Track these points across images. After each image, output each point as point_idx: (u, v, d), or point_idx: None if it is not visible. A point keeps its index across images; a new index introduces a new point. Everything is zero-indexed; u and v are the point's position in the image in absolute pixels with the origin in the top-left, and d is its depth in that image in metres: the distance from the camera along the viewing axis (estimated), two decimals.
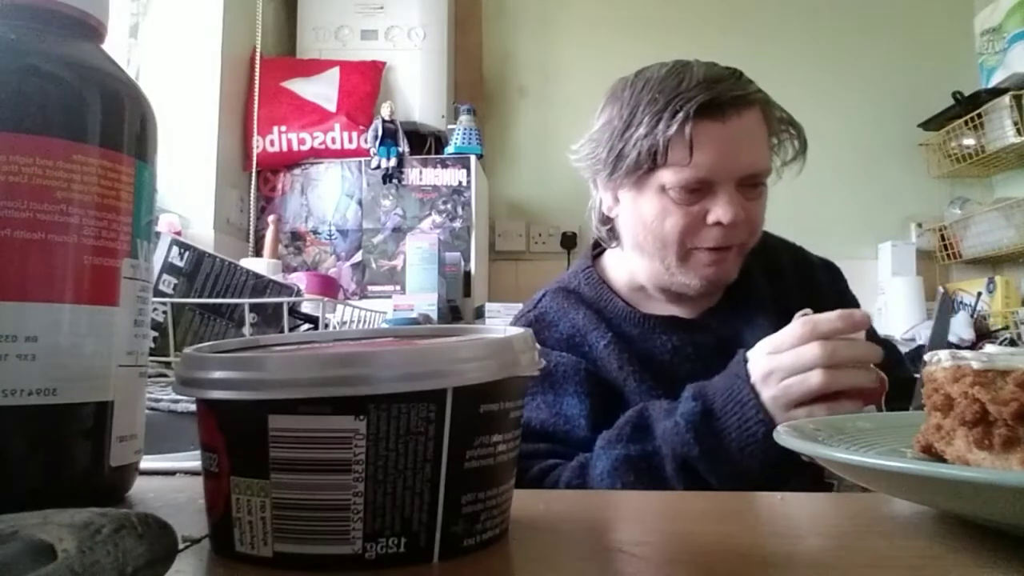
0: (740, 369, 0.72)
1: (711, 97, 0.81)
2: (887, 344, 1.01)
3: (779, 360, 0.69)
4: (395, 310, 1.77)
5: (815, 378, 0.67)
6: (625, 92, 0.86)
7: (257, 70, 2.24)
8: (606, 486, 0.73)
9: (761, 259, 0.95)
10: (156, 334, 0.94)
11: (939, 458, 0.36)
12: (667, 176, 0.83)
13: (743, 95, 0.83)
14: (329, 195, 2.22)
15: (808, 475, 0.62)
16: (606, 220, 0.94)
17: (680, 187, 0.83)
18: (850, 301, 0.99)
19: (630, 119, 0.84)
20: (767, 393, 0.69)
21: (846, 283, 1.02)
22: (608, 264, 0.98)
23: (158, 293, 0.97)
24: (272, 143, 2.21)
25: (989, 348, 0.37)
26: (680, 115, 0.80)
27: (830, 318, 0.68)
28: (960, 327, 2.28)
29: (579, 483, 0.76)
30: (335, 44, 2.37)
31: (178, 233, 1.64)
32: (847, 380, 0.67)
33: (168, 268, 1.00)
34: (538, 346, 0.94)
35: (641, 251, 0.89)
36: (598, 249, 1.02)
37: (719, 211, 0.83)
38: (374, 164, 2.17)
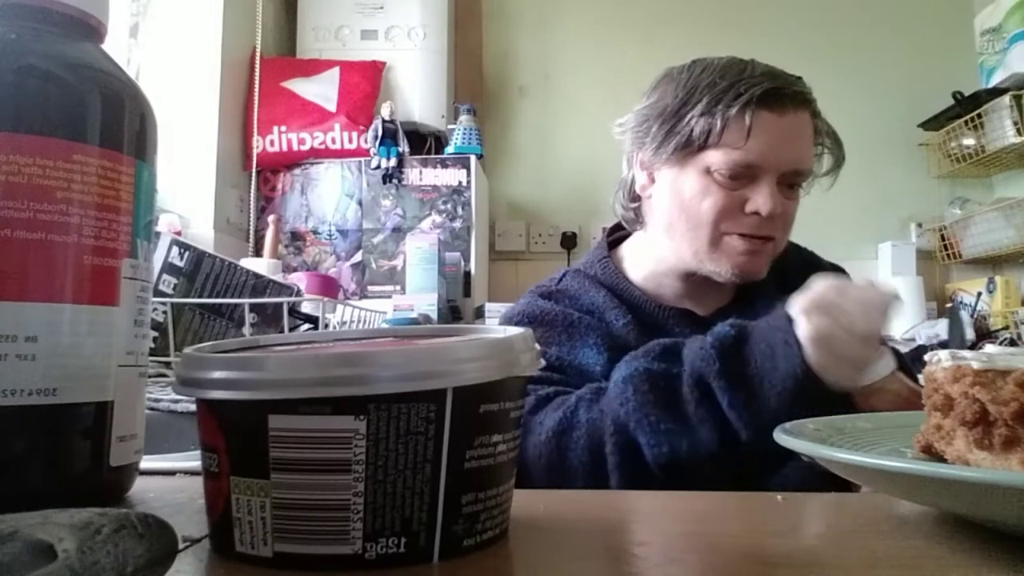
0: (783, 310, 0.73)
1: (775, 87, 0.83)
2: (895, 353, 1.00)
3: (846, 296, 0.71)
4: (395, 310, 1.77)
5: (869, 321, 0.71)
6: (682, 75, 0.88)
7: (257, 70, 2.24)
8: (617, 394, 0.72)
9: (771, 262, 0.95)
10: (156, 334, 0.94)
11: (939, 458, 0.36)
12: (716, 157, 0.84)
13: (802, 93, 0.86)
14: (329, 195, 2.22)
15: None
16: (635, 199, 0.95)
17: (727, 169, 0.84)
18: None
19: (687, 98, 0.86)
20: (813, 322, 0.69)
21: None
22: (625, 254, 0.99)
23: (158, 293, 0.97)
24: (272, 143, 2.21)
25: (989, 348, 0.37)
26: (744, 97, 0.82)
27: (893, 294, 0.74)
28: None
29: (591, 398, 0.75)
30: (335, 44, 2.37)
31: (178, 233, 1.64)
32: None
33: (168, 268, 1.00)
34: (559, 306, 0.92)
35: (671, 232, 0.90)
36: (614, 236, 1.02)
37: (759, 200, 0.84)
38: (374, 164, 2.17)
